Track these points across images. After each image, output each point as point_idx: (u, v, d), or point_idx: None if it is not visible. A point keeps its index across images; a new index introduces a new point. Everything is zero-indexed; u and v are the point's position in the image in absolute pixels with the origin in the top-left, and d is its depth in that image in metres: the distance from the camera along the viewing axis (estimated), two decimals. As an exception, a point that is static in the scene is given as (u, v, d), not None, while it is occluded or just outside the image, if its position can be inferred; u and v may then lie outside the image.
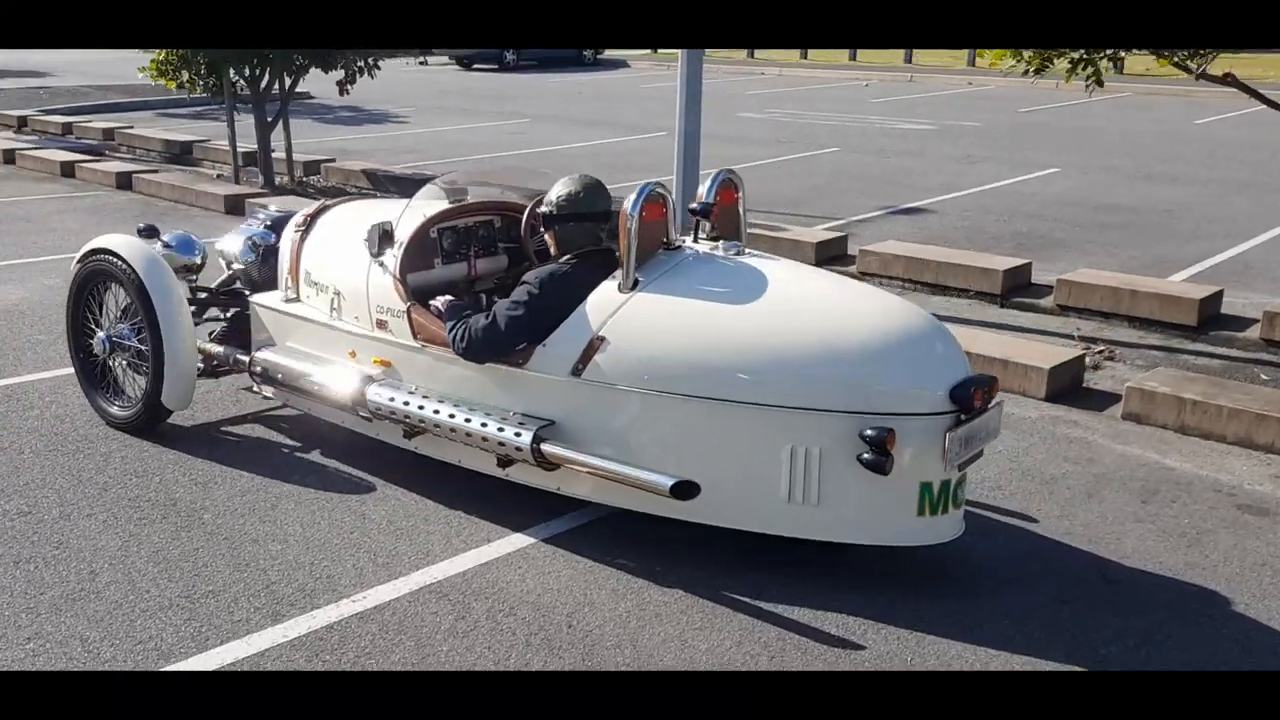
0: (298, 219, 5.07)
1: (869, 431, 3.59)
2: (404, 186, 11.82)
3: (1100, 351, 6.30)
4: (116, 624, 3.46)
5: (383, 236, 4.42)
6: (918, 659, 3.41)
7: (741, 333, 3.83)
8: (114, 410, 4.97)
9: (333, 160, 13.00)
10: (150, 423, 4.89)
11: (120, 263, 4.80)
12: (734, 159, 11.22)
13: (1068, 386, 5.70)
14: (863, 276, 7.67)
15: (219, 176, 12.33)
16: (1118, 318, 6.85)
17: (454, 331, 4.16)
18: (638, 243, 3.98)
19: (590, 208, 4.16)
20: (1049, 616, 3.64)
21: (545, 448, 3.93)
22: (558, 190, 4.24)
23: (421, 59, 28.03)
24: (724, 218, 4.38)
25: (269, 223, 5.23)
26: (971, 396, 3.69)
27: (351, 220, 4.91)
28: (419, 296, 4.43)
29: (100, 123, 15.83)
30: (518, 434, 3.98)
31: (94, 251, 4.94)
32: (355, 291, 4.64)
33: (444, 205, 4.89)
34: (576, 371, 3.97)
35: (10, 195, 10.84)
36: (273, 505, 4.28)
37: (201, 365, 5.01)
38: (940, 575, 3.91)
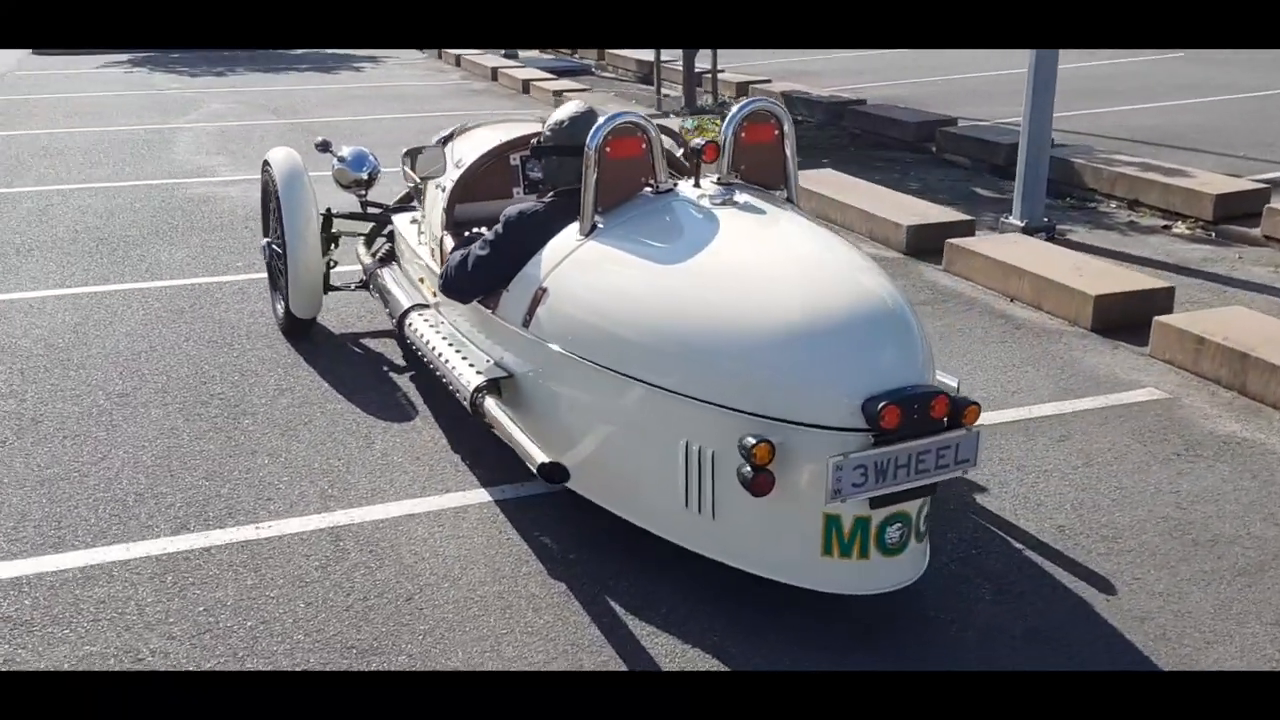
0: (439, 136, 5.02)
1: (747, 439, 2.80)
2: (815, 111, 11.33)
3: None
4: (63, 506, 3.67)
5: (413, 155, 4.23)
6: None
7: (664, 299, 3.15)
8: (277, 312, 5.32)
9: (767, 81, 12.78)
10: (292, 328, 5.16)
11: (271, 174, 5.07)
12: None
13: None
14: (1268, 241, 6.06)
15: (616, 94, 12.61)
16: None
17: (444, 267, 3.89)
18: (599, 182, 3.42)
19: (572, 140, 3.60)
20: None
21: (485, 403, 3.56)
22: (553, 118, 3.75)
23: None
24: (755, 159, 3.63)
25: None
26: (880, 414, 2.73)
27: (470, 142, 4.75)
28: (479, 225, 4.17)
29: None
30: (466, 384, 3.65)
31: (266, 162, 5.26)
32: (429, 216, 4.51)
33: (533, 129, 4.55)
34: (525, 322, 3.53)
35: (455, 108, 11.93)
36: (307, 421, 4.33)
37: (364, 278, 5.17)
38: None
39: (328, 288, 5.23)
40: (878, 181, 8.05)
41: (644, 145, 3.46)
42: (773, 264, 3.18)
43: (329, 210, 5.28)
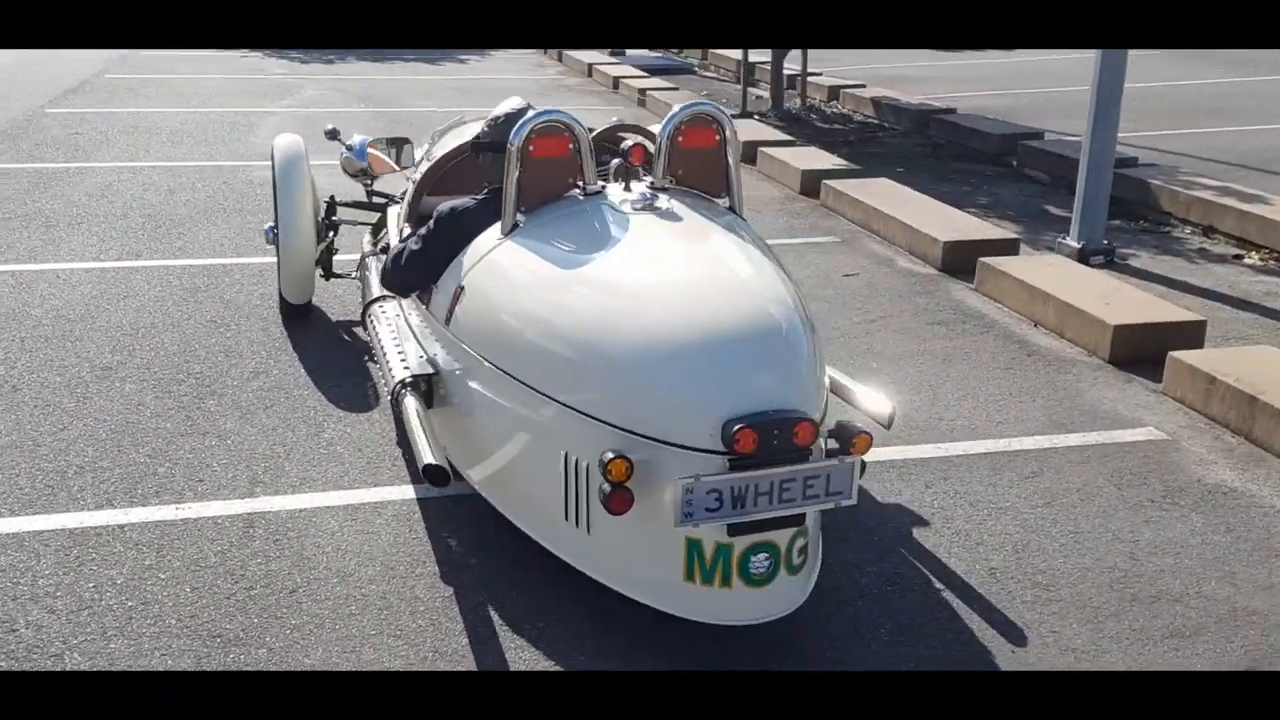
0: (442, 126, 5.04)
1: (606, 455, 2.70)
2: (901, 119, 11.02)
3: None
4: (5, 474, 3.76)
5: (398, 145, 4.22)
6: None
7: (555, 305, 3.08)
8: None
9: (861, 86, 12.49)
10: (287, 312, 5.23)
11: (273, 159, 5.14)
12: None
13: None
14: None
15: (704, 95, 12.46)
16: None
17: (385, 259, 3.88)
18: (520, 181, 3.35)
19: (503, 137, 3.52)
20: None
21: (403, 399, 3.52)
22: (492, 113, 3.68)
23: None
24: (693, 164, 3.51)
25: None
26: (735, 437, 2.59)
27: (455, 136, 4.73)
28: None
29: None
30: (391, 379, 3.62)
31: (273, 147, 5.34)
32: (401, 208, 4.51)
33: None
34: (447, 320, 3.48)
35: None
36: (269, 405, 4.36)
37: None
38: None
39: (329, 274, 5.28)
40: (945, 194, 7.79)
41: (571, 145, 3.38)
42: (666, 275, 3.06)
43: (332, 198, 5.33)
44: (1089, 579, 3.34)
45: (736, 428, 2.60)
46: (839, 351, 5.03)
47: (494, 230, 3.42)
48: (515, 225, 3.36)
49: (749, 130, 9.62)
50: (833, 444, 2.85)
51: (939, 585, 3.30)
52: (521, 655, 2.94)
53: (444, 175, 4.36)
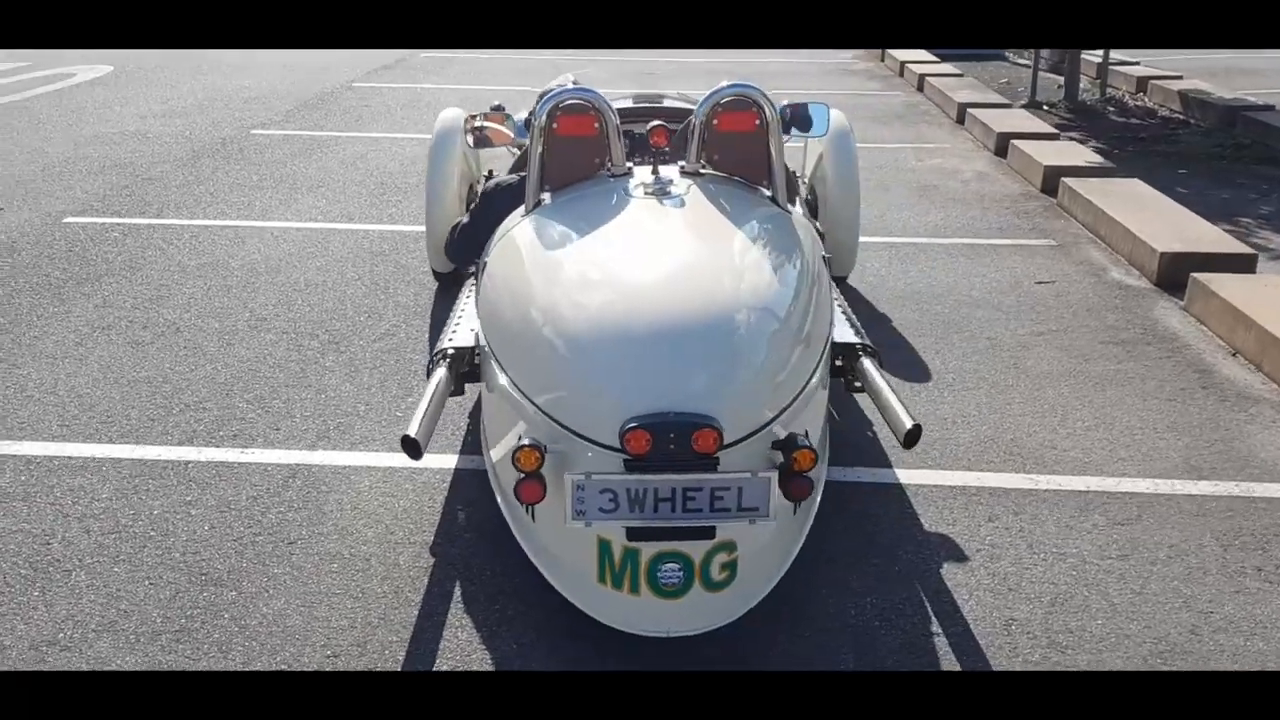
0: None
1: (521, 441, 2.62)
2: (1207, 115, 9.91)
3: None
4: (121, 405, 4.12)
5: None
6: None
7: (534, 287, 3.02)
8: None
9: (1177, 77, 11.30)
10: (440, 279, 5.45)
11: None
12: None
13: None
14: None
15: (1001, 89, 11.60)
16: None
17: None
18: (544, 158, 3.31)
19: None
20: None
21: (434, 370, 3.56)
22: (542, 90, 3.64)
23: None
24: (731, 149, 3.33)
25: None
26: (626, 437, 2.43)
27: None
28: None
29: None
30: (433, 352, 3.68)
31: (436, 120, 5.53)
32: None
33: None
34: (477, 295, 3.51)
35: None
36: (377, 366, 4.55)
37: None
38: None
39: None
40: (1221, 201, 7.00)
41: (597, 124, 3.29)
42: (629, 265, 2.90)
43: (489, 173, 5.48)
44: (1122, 648, 2.88)
45: (630, 426, 2.45)
46: (973, 365, 4.61)
47: (521, 209, 3.40)
48: (539, 204, 3.32)
49: (1010, 121, 8.96)
50: (779, 456, 2.62)
51: (935, 629, 2.96)
52: (458, 636, 2.92)
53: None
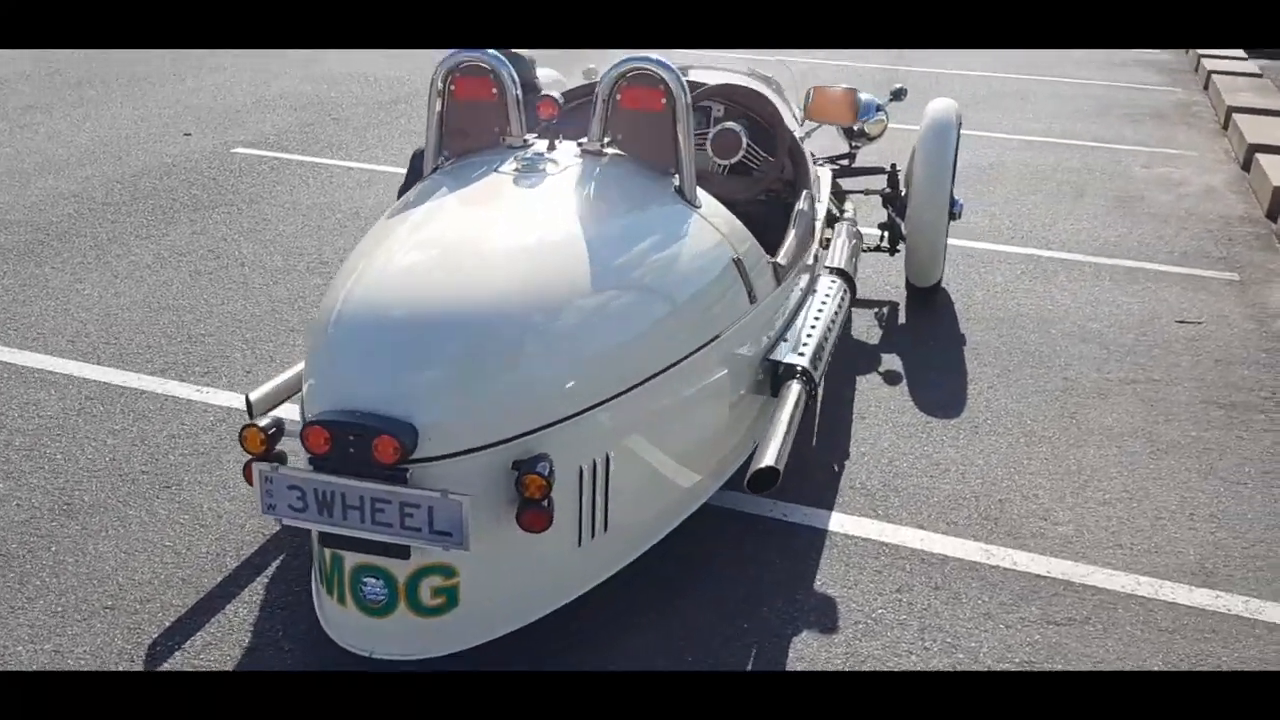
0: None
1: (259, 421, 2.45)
2: None
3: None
4: (140, 332, 4.32)
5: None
6: None
7: (344, 263, 2.82)
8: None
9: None
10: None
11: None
12: None
13: None
14: None
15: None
16: None
17: None
18: (442, 121, 3.08)
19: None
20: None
21: None
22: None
23: None
24: (635, 129, 2.97)
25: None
26: (303, 435, 2.20)
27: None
28: None
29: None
30: None
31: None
32: None
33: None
34: None
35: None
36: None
37: None
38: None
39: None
40: None
41: (494, 90, 3.02)
42: (424, 250, 2.62)
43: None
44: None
45: (309, 421, 2.21)
46: (1021, 409, 3.95)
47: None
48: (435, 169, 3.11)
49: (1277, 132, 7.67)
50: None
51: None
52: (239, 612, 2.80)
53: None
